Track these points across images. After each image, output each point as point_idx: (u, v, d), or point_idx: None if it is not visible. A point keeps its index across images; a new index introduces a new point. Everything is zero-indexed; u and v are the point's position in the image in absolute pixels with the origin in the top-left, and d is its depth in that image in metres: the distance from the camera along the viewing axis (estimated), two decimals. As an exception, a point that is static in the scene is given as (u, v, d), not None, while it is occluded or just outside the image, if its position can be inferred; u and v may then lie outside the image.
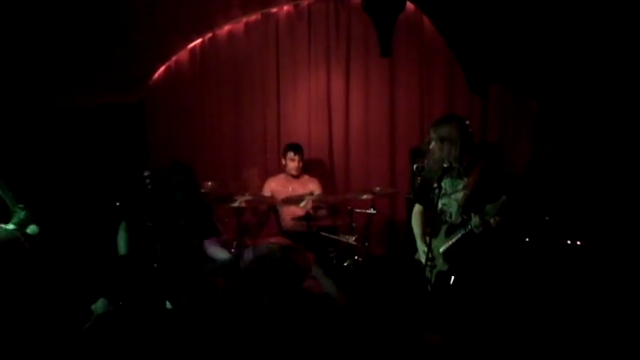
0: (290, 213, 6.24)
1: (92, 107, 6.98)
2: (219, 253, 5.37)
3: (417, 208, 4.35)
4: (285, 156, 6.37)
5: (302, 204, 6.01)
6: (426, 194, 4.19)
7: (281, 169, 6.51)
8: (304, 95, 6.93)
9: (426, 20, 6.44)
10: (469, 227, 3.87)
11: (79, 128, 6.86)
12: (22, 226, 4.46)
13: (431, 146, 4.05)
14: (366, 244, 5.89)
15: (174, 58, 7.29)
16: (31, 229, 4.53)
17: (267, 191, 6.40)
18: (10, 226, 4.40)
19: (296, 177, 6.36)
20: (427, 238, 4.02)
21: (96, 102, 7.01)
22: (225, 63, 7.13)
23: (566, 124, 5.77)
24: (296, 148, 6.33)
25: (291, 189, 6.30)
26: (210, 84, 7.22)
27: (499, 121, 6.25)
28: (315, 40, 6.85)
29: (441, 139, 3.96)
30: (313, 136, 6.84)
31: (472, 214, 3.86)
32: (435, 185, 3.94)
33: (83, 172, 6.72)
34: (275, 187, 6.37)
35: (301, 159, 6.34)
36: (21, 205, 4.52)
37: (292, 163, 6.30)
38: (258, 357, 3.42)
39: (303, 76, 6.92)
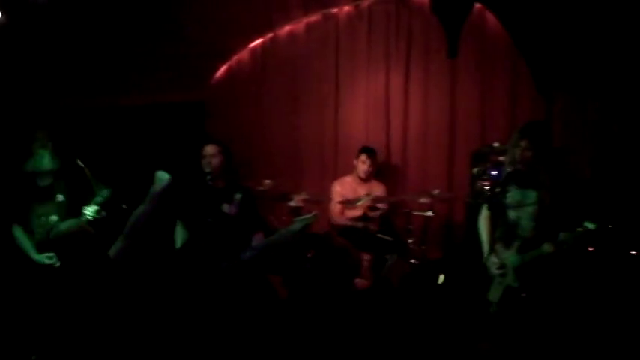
0: (347, 212, 6.27)
1: (154, 105, 7.18)
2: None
3: (485, 213, 4.36)
4: (357, 158, 6.34)
5: (359, 203, 6.05)
6: (496, 199, 4.21)
7: (349, 171, 6.49)
8: (362, 96, 6.97)
9: (488, 21, 6.43)
10: (543, 252, 3.89)
11: (142, 126, 7.05)
12: (103, 206, 4.72)
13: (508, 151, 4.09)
14: (423, 247, 5.90)
15: (235, 58, 7.44)
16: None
17: (336, 196, 6.35)
18: (92, 208, 4.68)
19: (364, 180, 6.31)
20: (496, 247, 4.05)
21: (158, 100, 7.20)
22: (285, 63, 7.24)
23: (620, 123, 5.68)
24: (369, 152, 6.30)
25: (357, 193, 6.25)
26: (269, 83, 7.33)
27: (562, 125, 6.14)
28: (374, 40, 6.88)
29: (516, 145, 4.00)
30: (371, 138, 6.84)
31: (545, 244, 3.87)
32: (500, 190, 3.99)
33: (144, 169, 6.72)
34: (341, 191, 6.33)
35: (373, 163, 6.28)
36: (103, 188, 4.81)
37: (363, 165, 6.26)
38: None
39: (362, 76, 6.96)
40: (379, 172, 6.55)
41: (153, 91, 7.18)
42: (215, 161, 4.61)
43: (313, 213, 4.56)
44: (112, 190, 4.86)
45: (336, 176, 6.70)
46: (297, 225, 4.47)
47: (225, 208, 4.65)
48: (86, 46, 6.54)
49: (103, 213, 4.80)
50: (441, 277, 5.62)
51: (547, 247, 3.86)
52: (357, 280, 5.72)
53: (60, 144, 5.00)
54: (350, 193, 6.27)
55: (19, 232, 4.82)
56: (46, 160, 4.84)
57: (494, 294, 4.14)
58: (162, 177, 3.97)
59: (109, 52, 6.69)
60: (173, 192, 4.47)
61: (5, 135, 6.43)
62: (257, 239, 4.73)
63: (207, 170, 4.62)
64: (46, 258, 4.70)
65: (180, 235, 4.85)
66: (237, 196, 4.65)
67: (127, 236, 3.74)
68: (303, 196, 5.94)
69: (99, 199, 4.82)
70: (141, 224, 3.75)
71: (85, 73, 6.82)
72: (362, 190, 6.25)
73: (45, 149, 4.88)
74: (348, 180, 6.41)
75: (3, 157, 5.81)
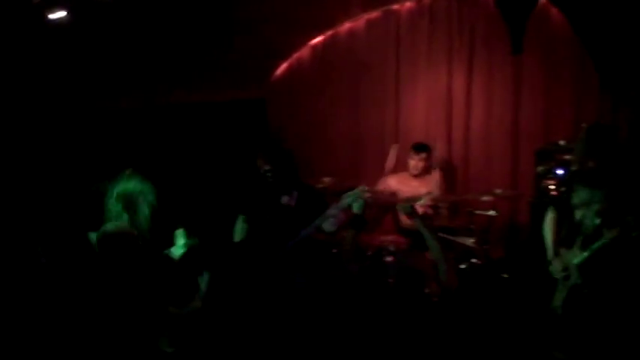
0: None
1: (217, 103, 7.31)
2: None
3: (551, 215, 4.32)
4: (409, 154, 6.30)
5: (420, 203, 5.84)
6: (562, 199, 4.19)
7: (405, 167, 6.45)
8: (424, 93, 6.95)
9: (553, 16, 6.34)
10: (606, 239, 3.84)
11: (204, 124, 7.19)
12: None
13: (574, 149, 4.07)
14: (485, 246, 5.84)
15: (295, 55, 7.50)
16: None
17: (381, 188, 6.37)
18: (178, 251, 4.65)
19: (417, 176, 6.29)
20: (560, 249, 4.01)
21: (220, 98, 7.32)
22: (346, 60, 7.27)
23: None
24: (422, 149, 6.25)
25: (411, 187, 6.23)
26: (330, 81, 7.38)
27: (628, 122, 5.97)
28: (436, 36, 6.85)
29: (583, 145, 4.02)
30: (432, 134, 6.81)
31: (606, 229, 3.83)
32: (566, 189, 3.96)
33: (206, 166, 7.02)
34: (395, 185, 6.32)
35: (422, 159, 6.24)
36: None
37: (417, 162, 6.25)
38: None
39: (423, 73, 6.94)
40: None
41: (215, 89, 7.30)
42: (275, 158, 4.71)
43: (361, 187, 4.54)
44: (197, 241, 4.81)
45: (396, 171, 6.60)
46: (346, 200, 4.49)
47: (284, 199, 4.74)
48: (149, 46, 6.69)
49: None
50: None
51: (610, 234, 3.80)
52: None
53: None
54: (405, 188, 6.25)
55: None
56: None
57: (559, 297, 4.10)
58: None
59: (172, 51, 6.83)
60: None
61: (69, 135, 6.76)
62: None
63: (266, 167, 4.71)
64: None
65: (239, 230, 4.99)
66: (295, 193, 4.74)
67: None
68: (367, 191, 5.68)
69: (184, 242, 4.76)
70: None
71: (149, 72, 6.97)
72: (417, 185, 6.22)
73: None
74: (404, 174, 6.39)
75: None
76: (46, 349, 3.38)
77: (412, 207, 4.40)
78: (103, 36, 6.49)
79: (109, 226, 3.71)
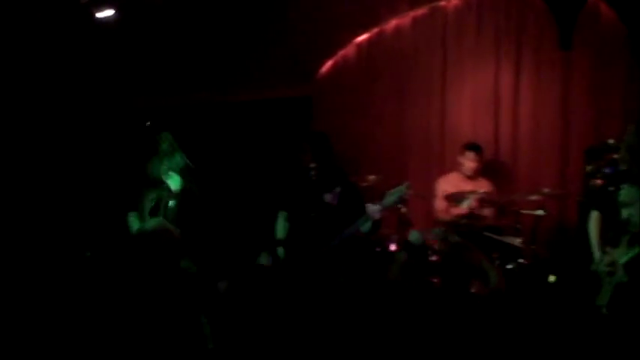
0: (452, 209, 6.21)
1: (262, 101, 7.39)
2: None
3: (595, 215, 4.29)
4: (462, 155, 6.27)
5: (465, 204, 5.99)
6: (608, 198, 4.15)
7: (455, 167, 6.43)
8: (470, 91, 6.89)
9: (603, 12, 6.25)
10: None
11: (249, 121, 7.28)
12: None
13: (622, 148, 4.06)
14: (533, 246, 5.80)
15: (341, 53, 7.51)
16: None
17: (440, 193, 6.31)
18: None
19: (470, 178, 6.25)
20: (605, 248, 4.00)
21: (266, 96, 7.41)
22: (391, 57, 7.25)
23: None
24: (476, 149, 6.22)
25: (463, 190, 6.16)
26: (375, 79, 7.34)
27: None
28: (483, 33, 6.80)
29: (629, 145, 3.98)
30: (478, 133, 6.75)
31: None
32: (613, 188, 3.94)
33: (251, 163, 7.13)
34: (447, 188, 6.27)
35: (479, 160, 6.21)
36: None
37: (469, 163, 6.20)
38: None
39: (470, 71, 6.89)
40: (486, 168, 6.47)
41: (261, 87, 7.38)
42: (318, 155, 4.73)
43: (405, 184, 4.56)
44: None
45: (441, 172, 6.68)
46: (389, 198, 4.50)
47: (327, 197, 4.74)
48: (195, 44, 6.79)
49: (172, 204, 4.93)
50: (552, 278, 5.53)
51: None
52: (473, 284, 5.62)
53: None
54: (455, 190, 6.20)
55: (133, 220, 5.06)
56: (177, 159, 5.03)
57: (604, 296, 4.06)
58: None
59: (218, 49, 6.92)
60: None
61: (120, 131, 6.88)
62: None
63: (310, 165, 4.72)
64: None
65: (281, 227, 5.01)
66: (337, 189, 4.72)
67: None
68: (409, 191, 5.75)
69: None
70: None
71: (195, 70, 7.08)
72: (467, 187, 6.18)
73: (175, 151, 5.06)
74: (454, 176, 6.36)
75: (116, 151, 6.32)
76: (88, 340, 3.38)
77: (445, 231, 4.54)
78: (151, 35, 6.65)
79: (148, 225, 3.67)
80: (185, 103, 7.40)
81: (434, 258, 5.77)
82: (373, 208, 4.53)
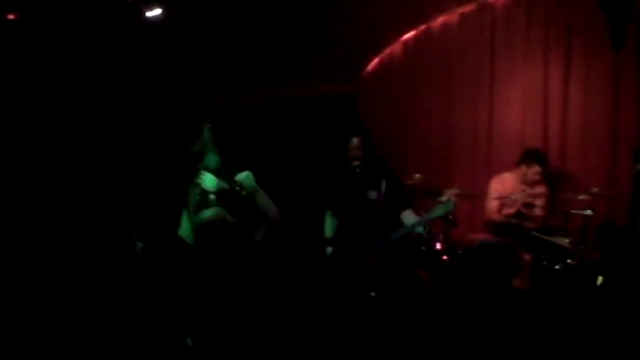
0: (501, 209, 6.18)
1: (306, 98, 7.45)
2: (411, 219, 5.01)
3: None
4: (527, 164, 6.08)
5: (512, 197, 5.98)
6: None
7: (503, 166, 6.37)
8: (519, 89, 6.82)
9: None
10: None
11: (294, 119, 7.36)
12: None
13: None
14: (581, 247, 5.74)
15: (387, 50, 7.52)
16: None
17: (493, 193, 6.24)
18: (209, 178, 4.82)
19: (528, 184, 6.14)
20: None
21: (311, 94, 7.46)
22: (438, 55, 7.23)
23: None
24: (542, 161, 6.04)
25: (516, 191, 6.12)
26: (421, 76, 7.34)
27: None
28: (532, 30, 6.72)
29: None
30: (527, 132, 6.71)
31: None
32: None
33: (297, 161, 7.21)
34: (500, 189, 6.20)
35: (538, 172, 6.07)
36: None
37: (535, 176, 6.06)
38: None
39: (519, 68, 6.81)
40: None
41: (306, 85, 7.44)
42: (362, 153, 4.82)
43: (452, 199, 4.67)
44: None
45: (489, 171, 6.65)
46: (437, 211, 4.56)
47: (372, 194, 4.79)
48: (243, 42, 6.84)
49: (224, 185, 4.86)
50: (600, 279, 5.44)
51: None
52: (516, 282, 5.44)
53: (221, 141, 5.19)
54: (508, 191, 6.15)
55: (184, 219, 5.04)
56: (211, 159, 4.99)
57: None
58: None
59: (264, 47, 6.97)
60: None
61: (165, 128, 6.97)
62: (406, 215, 4.83)
63: (355, 163, 4.79)
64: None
65: (329, 224, 5.12)
66: (383, 183, 4.75)
67: (267, 223, 3.80)
68: (454, 190, 5.91)
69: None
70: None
71: (242, 68, 7.13)
72: (521, 189, 6.13)
73: (211, 148, 5.03)
74: (508, 177, 6.25)
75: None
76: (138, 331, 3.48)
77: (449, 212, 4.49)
78: (200, 33, 6.72)
79: (207, 214, 3.63)
80: (232, 101, 7.49)
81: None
82: (410, 219, 4.66)
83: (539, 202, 6.11)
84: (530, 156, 6.08)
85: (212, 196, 4.92)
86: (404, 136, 7.44)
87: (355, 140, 4.89)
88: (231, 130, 6.22)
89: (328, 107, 7.49)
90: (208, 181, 4.86)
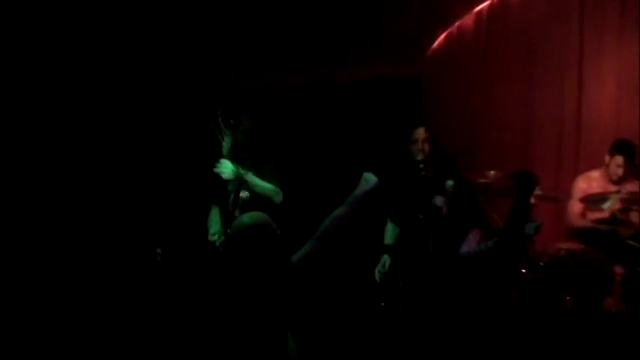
0: (590, 213, 5.73)
1: (362, 82, 7.31)
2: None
3: None
4: (611, 155, 5.70)
5: (606, 204, 5.44)
6: None
7: (593, 162, 5.93)
8: (613, 72, 6.18)
9: None
10: None
11: (348, 104, 7.23)
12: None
13: None
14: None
15: (456, 24, 7.18)
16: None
17: (577, 193, 5.83)
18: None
19: (614, 181, 5.71)
20: None
21: (366, 75, 7.31)
22: (517, 29, 6.74)
23: None
24: (627, 152, 5.61)
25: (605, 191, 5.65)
26: (497, 54, 6.87)
27: None
28: (628, 3, 6.08)
29: None
30: (622, 122, 6.08)
31: None
32: None
33: (348, 155, 7.01)
34: (586, 188, 5.79)
35: (629, 164, 5.61)
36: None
37: (618, 169, 5.63)
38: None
39: (613, 47, 6.18)
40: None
41: (362, 66, 7.28)
42: (428, 146, 4.60)
43: (537, 223, 4.47)
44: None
45: (576, 168, 6.13)
46: (528, 228, 4.41)
47: (438, 200, 4.55)
48: (291, 18, 6.63)
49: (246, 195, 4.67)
50: None
51: None
52: (607, 301, 5.12)
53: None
54: (596, 190, 5.68)
55: (214, 214, 4.87)
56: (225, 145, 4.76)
57: None
58: (369, 179, 3.67)
59: (313, 24, 6.77)
60: (378, 196, 4.26)
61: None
62: (472, 238, 4.65)
63: (419, 157, 4.56)
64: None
65: (390, 231, 4.94)
66: (449, 183, 4.52)
67: (317, 239, 3.50)
68: (535, 191, 5.31)
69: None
70: (335, 228, 3.48)
71: (289, 47, 6.95)
72: (611, 189, 5.63)
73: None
74: (595, 175, 5.80)
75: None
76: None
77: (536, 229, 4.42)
78: (243, 7, 6.50)
79: (245, 219, 3.41)
80: (277, 84, 7.38)
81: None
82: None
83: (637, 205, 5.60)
84: (616, 146, 5.71)
85: (243, 194, 4.70)
86: (474, 124, 6.94)
87: (421, 131, 4.67)
88: (276, 116, 6.55)
89: (386, 91, 7.30)
90: (225, 168, 4.66)
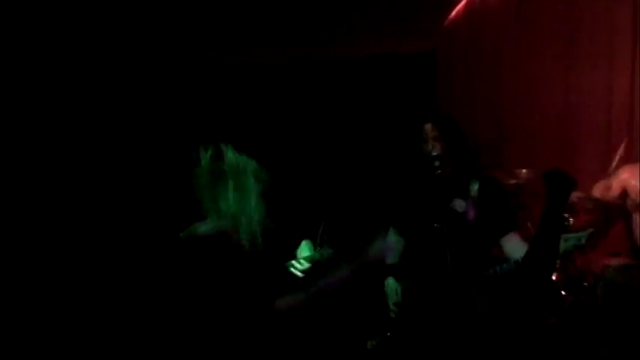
0: None
1: (363, 59, 7.02)
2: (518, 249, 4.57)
3: None
4: None
5: None
6: None
7: None
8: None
9: None
10: None
11: (348, 86, 6.89)
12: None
13: None
14: None
15: (479, -9, 6.71)
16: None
17: (616, 186, 5.24)
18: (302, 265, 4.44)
19: None
20: None
21: (369, 51, 6.98)
22: (555, -3, 6.27)
23: None
24: None
25: None
26: (531, 25, 6.30)
27: None
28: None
29: None
30: None
31: None
32: None
33: (347, 148, 6.71)
34: (634, 181, 5.21)
35: None
36: None
37: None
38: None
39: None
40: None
41: (363, 40, 6.92)
42: (440, 145, 4.21)
43: (589, 230, 4.04)
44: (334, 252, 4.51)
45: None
46: (566, 243, 3.94)
47: (458, 204, 4.17)
48: None
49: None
50: None
51: None
52: None
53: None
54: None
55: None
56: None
57: None
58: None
59: None
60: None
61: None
62: (511, 241, 4.21)
63: (435, 152, 4.15)
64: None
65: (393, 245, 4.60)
66: (474, 188, 4.16)
67: (309, 295, 3.38)
68: (577, 194, 4.87)
69: (316, 255, 4.52)
70: (332, 289, 3.34)
71: (277, 18, 6.57)
72: None
73: None
74: None
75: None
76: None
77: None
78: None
79: (203, 228, 3.22)
80: (266, 60, 6.93)
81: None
82: (516, 249, 4.06)
83: None
84: None
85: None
86: (501, 112, 6.40)
87: (427, 129, 4.27)
88: (265, 99, 6.29)
89: (392, 71, 6.77)
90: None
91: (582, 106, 6.06)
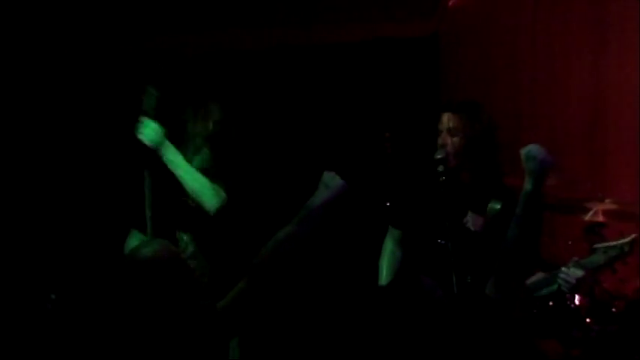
0: None
1: (359, 44, 6.69)
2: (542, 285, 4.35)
3: None
4: None
5: None
6: None
7: None
8: None
9: None
10: None
11: (339, 74, 6.57)
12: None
13: None
14: None
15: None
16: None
17: None
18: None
19: None
20: None
21: (365, 36, 6.64)
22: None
23: None
24: None
25: None
26: (549, 10, 5.92)
27: None
28: None
29: None
30: None
31: None
32: None
33: (337, 146, 6.40)
34: None
35: None
36: None
37: None
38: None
39: None
40: None
41: (359, 23, 6.59)
42: (457, 140, 3.83)
43: (631, 236, 3.88)
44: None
45: None
46: (596, 257, 3.91)
47: (470, 219, 3.91)
48: None
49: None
50: None
51: None
52: None
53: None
54: None
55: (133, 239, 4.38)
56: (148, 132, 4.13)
57: None
58: (331, 181, 3.30)
59: None
60: (346, 209, 3.95)
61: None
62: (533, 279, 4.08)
63: (438, 155, 3.84)
64: None
65: (387, 266, 4.31)
66: (495, 207, 3.81)
67: (252, 274, 3.19)
68: (607, 204, 4.75)
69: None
70: (278, 258, 3.12)
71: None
72: None
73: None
74: None
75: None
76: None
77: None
78: None
79: (144, 249, 3.02)
80: (242, 46, 6.56)
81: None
82: (567, 274, 3.86)
83: None
84: None
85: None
86: (519, 107, 6.01)
87: (445, 118, 3.90)
88: (239, 90, 5.92)
89: (390, 57, 6.42)
90: (148, 128, 4.08)
91: (613, 99, 5.61)
